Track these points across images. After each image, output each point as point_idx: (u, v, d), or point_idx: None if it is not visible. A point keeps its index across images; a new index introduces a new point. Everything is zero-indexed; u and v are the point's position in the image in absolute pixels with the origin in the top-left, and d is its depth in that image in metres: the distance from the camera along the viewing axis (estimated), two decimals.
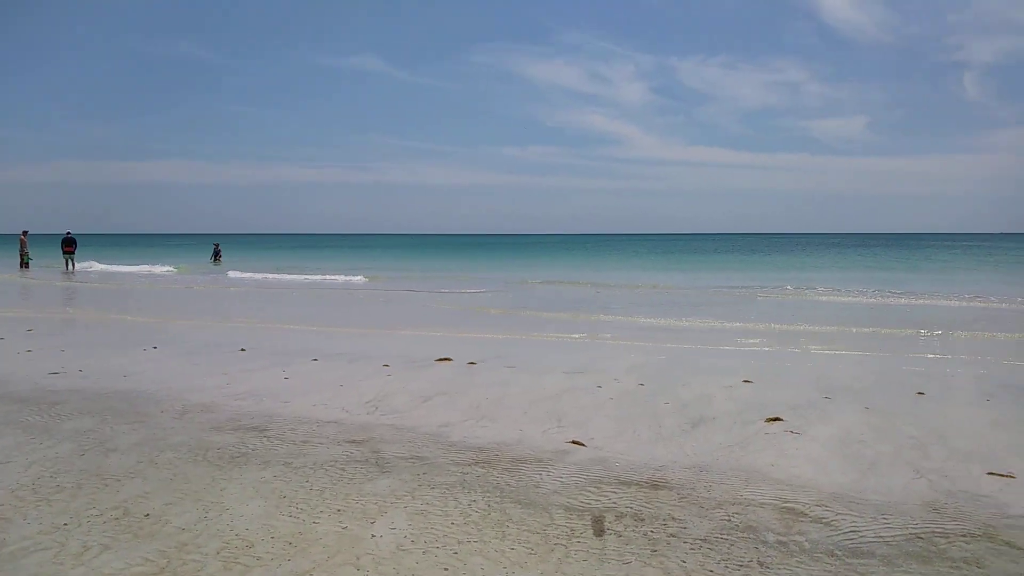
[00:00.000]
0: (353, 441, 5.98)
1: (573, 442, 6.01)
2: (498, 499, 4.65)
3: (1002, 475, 5.21)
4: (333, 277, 30.65)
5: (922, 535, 4.15)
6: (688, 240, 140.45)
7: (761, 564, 3.74)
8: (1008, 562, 3.79)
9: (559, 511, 4.45)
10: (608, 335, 13.19)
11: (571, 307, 18.89)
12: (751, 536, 4.10)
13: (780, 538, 4.09)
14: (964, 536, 4.14)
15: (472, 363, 9.59)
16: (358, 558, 3.77)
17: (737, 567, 3.71)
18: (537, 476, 5.13)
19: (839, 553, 3.89)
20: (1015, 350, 11.74)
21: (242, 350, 10.66)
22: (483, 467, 5.32)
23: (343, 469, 5.22)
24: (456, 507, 4.50)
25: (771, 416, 6.87)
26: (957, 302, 20.20)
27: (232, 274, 33.95)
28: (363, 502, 4.56)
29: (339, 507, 4.48)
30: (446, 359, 9.81)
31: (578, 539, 4.04)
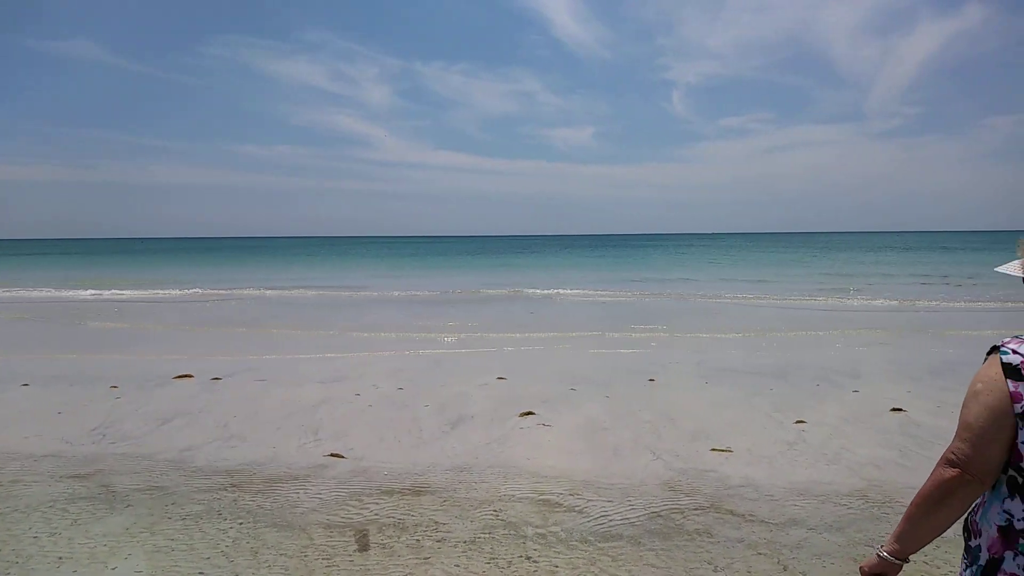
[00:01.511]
0: (76, 476, 5.25)
1: (332, 455, 5.78)
2: (251, 525, 4.32)
3: (722, 450, 5.86)
4: (51, 291, 26.71)
5: (662, 513, 4.52)
6: (437, 243, 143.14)
7: (528, 559, 3.85)
8: (731, 529, 4.26)
9: (319, 530, 4.24)
10: (364, 340, 12.97)
11: (322, 314, 18.38)
12: (513, 532, 4.21)
13: (539, 530, 4.23)
14: (696, 509, 4.58)
15: (217, 378, 8.91)
16: None
17: (506, 564, 3.78)
18: (294, 495, 4.85)
19: (592, 539, 4.12)
20: (726, 338, 13.33)
21: None
22: (233, 491, 4.93)
23: (65, 509, 4.56)
24: (203, 539, 4.11)
25: (525, 411, 7.14)
26: (673, 298, 22.67)
27: None
28: (92, 545, 4.01)
29: (62, 554, 3.89)
30: (186, 375, 9.01)
31: (341, 557, 3.87)
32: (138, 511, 4.54)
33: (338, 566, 3.77)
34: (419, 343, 12.42)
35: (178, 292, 25.31)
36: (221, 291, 25.70)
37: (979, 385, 1.66)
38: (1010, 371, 1.61)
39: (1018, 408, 1.58)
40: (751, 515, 4.47)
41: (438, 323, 15.68)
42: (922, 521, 1.70)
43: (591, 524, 4.34)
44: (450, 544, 4.03)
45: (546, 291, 25.05)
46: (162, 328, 15.33)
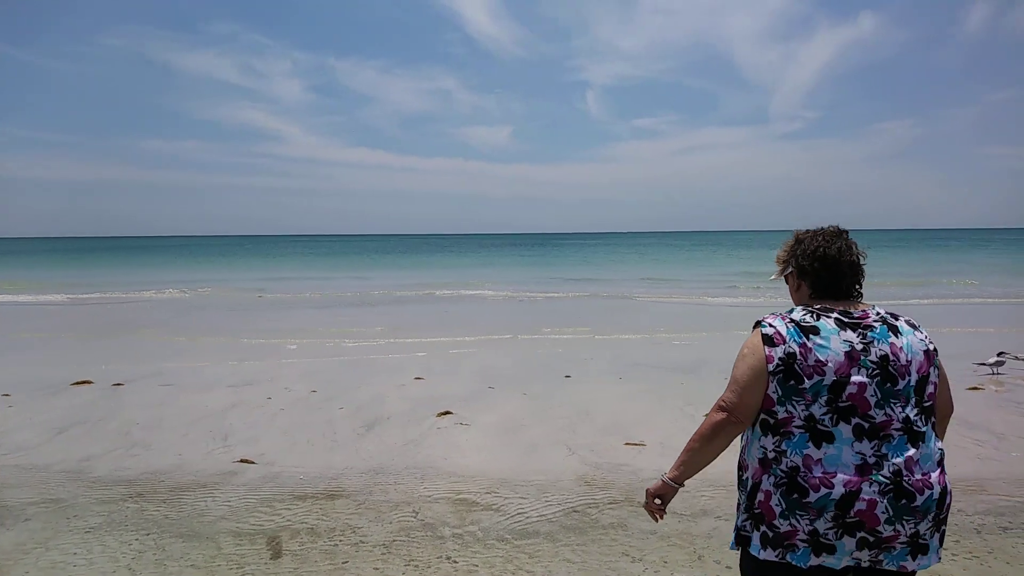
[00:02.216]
0: None
1: (242, 460, 5.61)
2: (156, 536, 4.15)
3: (636, 444, 5.98)
4: None
5: (577, 508, 4.58)
6: (353, 242, 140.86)
7: (446, 560, 3.83)
8: (645, 521, 4.34)
9: (228, 539, 4.11)
10: (276, 343, 12.62)
11: (231, 316, 17.84)
12: (431, 533, 4.18)
13: (456, 531, 4.22)
14: (611, 503, 4.66)
15: (118, 384, 8.51)
16: None
17: (425, 566, 3.75)
18: (201, 503, 4.68)
19: (509, 537, 4.13)
20: (639, 334, 13.62)
21: None
22: (136, 501, 4.72)
23: None
24: (104, 552, 3.92)
25: (442, 410, 7.11)
26: (588, 296, 23.02)
27: None
28: None
29: None
30: (85, 382, 8.56)
31: (253, 566, 3.75)
32: (32, 526, 4.29)
33: (250, 575, 3.66)
34: (334, 345, 12.21)
35: (70, 296, 24.04)
36: (123, 294, 24.59)
37: (745, 351, 2.17)
38: (767, 340, 2.13)
39: (771, 367, 2.10)
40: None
41: (354, 324, 15.46)
42: (698, 453, 2.22)
43: (508, 522, 4.35)
44: (366, 548, 3.97)
45: (464, 290, 25.04)
46: (56, 334, 14.54)
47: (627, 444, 5.99)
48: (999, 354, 8.92)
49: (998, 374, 8.78)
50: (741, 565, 2.26)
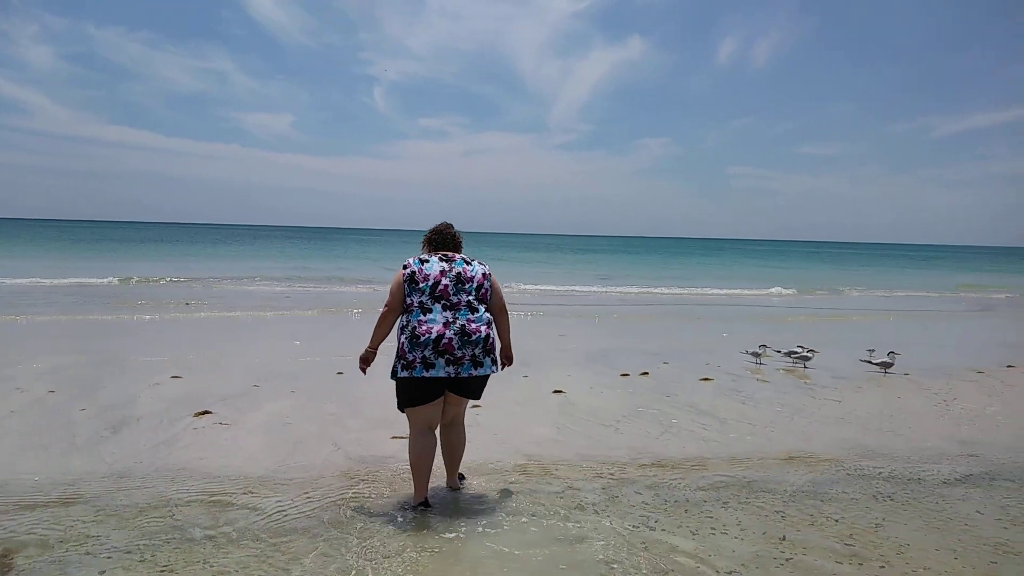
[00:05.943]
0: None
1: None
2: None
3: (403, 437, 6.07)
4: None
5: (338, 502, 4.59)
6: (114, 229, 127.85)
7: (195, 563, 3.66)
8: (409, 512, 4.45)
9: None
10: (5, 334, 11.21)
11: None
12: (180, 536, 3.98)
13: (209, 532, 4.05)
14: (376, 496, 4.71)
15: None
16: None
17: (172, 572, 3.55)
18: None
19: (265, 536, 4.03)
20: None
21: None
22: None
23: None
24: None
25: (200, 410, 6.76)
26: (362, 290, 22.89)
27: None
28: None
29: None
30: None
31: None
32: None
33: None
34: (75, 340, 11.06)
35: None
36: None
37: (395, 275, 4.35)
38: (403, 268, 4.35)
39: (404, 280, 4.31)
40: (429, 496, 4.70)
41: (99, 316, 14.13)
42: (378, 332, 4.38)
43: (264, 521, 4.25)
44: (104, 556, 3.70)
45: (234, 284, 23.76)
46: None
47: (394, 437, 6.07)
48: (760, 346, 10.25)
49: (760, 364, 10.05)
50: (393, 379, 4.33)
